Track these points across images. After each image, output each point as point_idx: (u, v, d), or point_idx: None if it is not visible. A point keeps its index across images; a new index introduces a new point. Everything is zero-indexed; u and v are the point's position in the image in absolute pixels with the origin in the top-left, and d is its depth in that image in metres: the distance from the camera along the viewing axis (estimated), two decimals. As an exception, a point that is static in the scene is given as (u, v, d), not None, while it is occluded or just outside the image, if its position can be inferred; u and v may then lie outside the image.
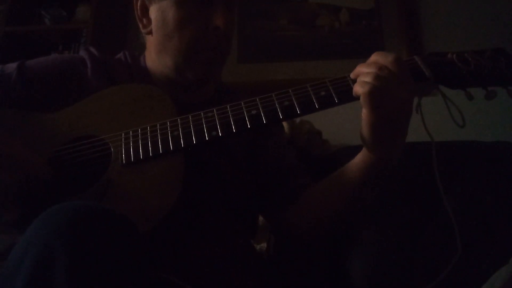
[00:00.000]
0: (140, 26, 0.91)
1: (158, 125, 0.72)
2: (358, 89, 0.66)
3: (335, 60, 1.91)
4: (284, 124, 1.38)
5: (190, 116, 0.72)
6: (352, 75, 0.70)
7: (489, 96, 0.70)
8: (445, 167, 1.11)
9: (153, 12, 0.87)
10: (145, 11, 0.89)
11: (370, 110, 0.65)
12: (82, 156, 0.73)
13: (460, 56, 0.71)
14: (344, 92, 0.68)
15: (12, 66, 0.85)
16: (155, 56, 0.89)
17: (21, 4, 1.97)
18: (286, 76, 1.89)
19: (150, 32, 0.88)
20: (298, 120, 1.44)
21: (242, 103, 0.71)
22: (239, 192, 0.86)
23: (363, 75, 0.66)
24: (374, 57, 0.69)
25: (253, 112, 0.70)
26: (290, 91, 0.70)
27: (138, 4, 0.90)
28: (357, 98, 0.67)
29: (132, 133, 0.72)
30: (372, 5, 1.97)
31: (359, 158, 0.76)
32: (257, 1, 2.03)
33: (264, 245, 1.11)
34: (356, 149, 0.77)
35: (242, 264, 0.81)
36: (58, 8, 1.95)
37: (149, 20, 0.88)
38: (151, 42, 0.89)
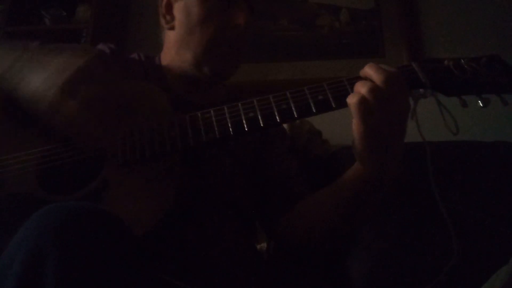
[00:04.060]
0: (163, 22, 0.96)
1: (154, 125, 0.71)
2: (350, 98, 0.65)
3: (335, 60, 1.91)
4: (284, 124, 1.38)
5: (187, 117, 0.71)
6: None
7: (483, 103, 0.69)
8: (445, 167, 1.11)
9: (178, 8, 0.93)
10: (169, 8, 0.95)
11: (359, 120, 0.64)
12: (77, 155, 0.72)
13: (456, 63, 0.71)
14: (341, 97, 0.68)
15: (34, 45, 0.84)
16: (175, 52, 0.93)
17: (21, 4, 1.96)
18: (286, 76, 1.89)
19: (172, 28, 0.94)
20: (298, 120, 1.44)
21: (239, 104, 0.70)
22: (240, 193, 0.87)
23: (359, 84, 0.65)
24: (367, 70, 0.67)
25: (251, 114, 0.69)
26: (287, 93, 0.70)
27: (164, 1, 0.95)
28: None
29: (128, 132, 0.71)
30: (372, 5, 1.97)
31: (352, 170, 0.75)
32: (257, 1, 2.03)
33: (264, 245, 1.11)
34: (356, 149, 0.76)
35: (242, 264, 0.81)
36: (58, 8, 1.95)
37: (172, 16, 0.94)
38: (172, 38, 0.94)
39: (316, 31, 1.97)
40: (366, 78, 0.67)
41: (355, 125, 0.65)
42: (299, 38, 1.97)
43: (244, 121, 0.68)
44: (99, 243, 0.50)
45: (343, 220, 0.80)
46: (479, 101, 0.69)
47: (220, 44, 0.89)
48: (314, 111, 0.68)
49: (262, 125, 0.68)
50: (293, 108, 0.68)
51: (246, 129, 0.68)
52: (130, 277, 0.52)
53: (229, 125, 0.69)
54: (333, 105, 0.68)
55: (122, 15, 2.06)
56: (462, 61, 0.72)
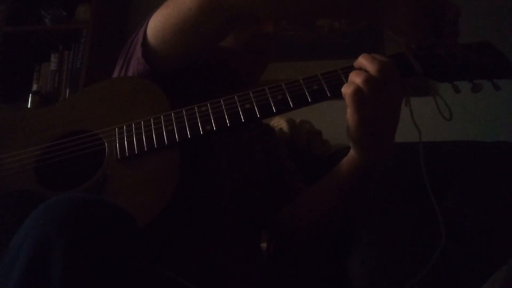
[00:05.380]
0: None
1: (152, 119, 0.71)
2: (345, 89, 0.66)
3: (335, 60, 1.91)
4: (284, 124, 1.38)
5: (184, 110, 0.71)
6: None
7: (475, 89, 0.70)
8: (445, 167, 1.11)
9: None
10: None
11: (354, 110, 0.65)
12: (75, 151, 0.72)
13: (447, 50, 0.72)
14: (336, 86, 0.68)
15: None
16: None
17: (21, 4, 1.97)
18: (286, 76, 1.88)
19: None
20: (298, 120, 1.44)
21: (235, 96, 0.71)
22: (239, 190, 0.87)
23: (354, 74, 0.66)
24: (361, 60, 0.68)
25: (247, 106, 0.69)
26: (283, 84, 0.70)
27: None
28: None
29: (126, 127, 0.72)
30: (372, 5, 1.97)
31: (346, 159, 0.76)
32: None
33: (264, 245, 1.11)
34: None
35: (241, 262, 0.81)
36: (58, 8, 1.95)
37: None
38: None
39: (316, 31, 1.97)
40: (360, 69, 0.68)
41: (349, 114, 0.66)
42: (299, 38, 1.97)
43: (240, 113, 0.69)
44: (106, 232, 0.50)
45: (338, 209, 0.81)
46: (471, 87, 0.70)
47: None
48: (309, 100, 0.69)
49: (258, 115, 0.69)
50: (289, 99, 0.69)
51: (243, 120, 0.69)
52: (135, 267, 0.52)
53: (226, 117, 0.69)
54: (328, 95, 0.69)
55: (122, 15, 2.07)
56: (453, 47, 0.72)
